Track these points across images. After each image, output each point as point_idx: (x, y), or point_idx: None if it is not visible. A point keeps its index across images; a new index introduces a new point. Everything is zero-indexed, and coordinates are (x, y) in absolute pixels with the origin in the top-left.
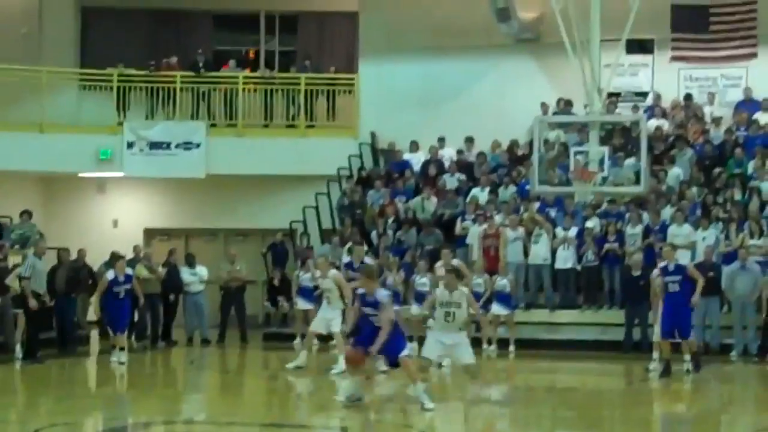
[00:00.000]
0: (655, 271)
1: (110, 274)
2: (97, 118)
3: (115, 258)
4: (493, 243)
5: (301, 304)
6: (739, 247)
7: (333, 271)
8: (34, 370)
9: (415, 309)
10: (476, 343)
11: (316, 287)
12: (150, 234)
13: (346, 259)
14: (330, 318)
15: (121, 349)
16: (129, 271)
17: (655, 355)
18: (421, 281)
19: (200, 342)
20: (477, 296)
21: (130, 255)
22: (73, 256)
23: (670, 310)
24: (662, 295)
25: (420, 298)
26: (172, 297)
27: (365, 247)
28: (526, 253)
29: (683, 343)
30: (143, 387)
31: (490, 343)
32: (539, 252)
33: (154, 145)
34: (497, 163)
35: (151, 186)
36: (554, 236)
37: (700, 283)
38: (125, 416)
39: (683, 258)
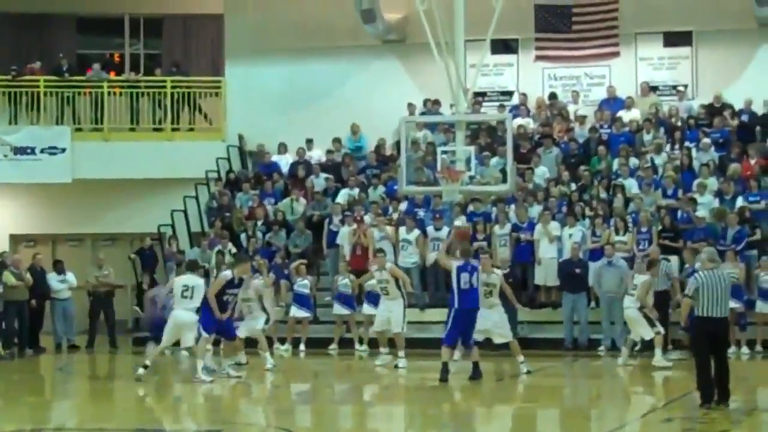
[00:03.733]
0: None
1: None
2: None
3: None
4: (362, 243)
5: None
6: (605, 243)
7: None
8: None
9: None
10: (348, 343)
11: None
12: (16, 240)
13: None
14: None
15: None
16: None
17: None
18: (302, 283)
19: (68, 348)
20: (344, 297)
21: None
22: None
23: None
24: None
25: (301, 300)
26: (34, 303)
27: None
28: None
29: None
30: (12, 395)
31: (361, 342)
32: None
33: (19, 151)
34: (365, 164)
35: (16, 191)
36: (425, 236)
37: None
38: None
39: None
